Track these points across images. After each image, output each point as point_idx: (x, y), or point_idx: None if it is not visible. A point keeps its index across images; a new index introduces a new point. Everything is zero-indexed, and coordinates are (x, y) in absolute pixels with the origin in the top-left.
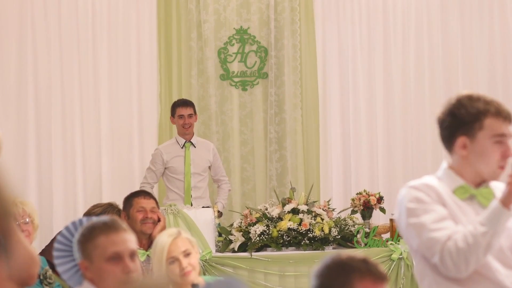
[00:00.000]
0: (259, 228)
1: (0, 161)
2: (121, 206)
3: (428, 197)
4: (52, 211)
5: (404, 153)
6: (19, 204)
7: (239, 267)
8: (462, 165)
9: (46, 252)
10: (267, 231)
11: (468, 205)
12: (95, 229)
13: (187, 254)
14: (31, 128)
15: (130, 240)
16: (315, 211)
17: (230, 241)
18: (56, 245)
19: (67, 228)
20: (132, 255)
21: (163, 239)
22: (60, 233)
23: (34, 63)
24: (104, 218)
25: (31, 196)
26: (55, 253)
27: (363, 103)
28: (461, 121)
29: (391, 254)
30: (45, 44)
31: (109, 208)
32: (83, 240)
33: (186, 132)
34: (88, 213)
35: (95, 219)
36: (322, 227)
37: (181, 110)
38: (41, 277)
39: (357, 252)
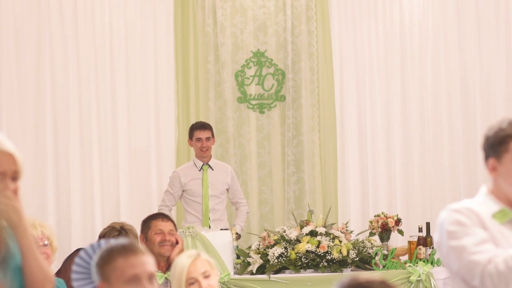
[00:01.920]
0: (277, 250)
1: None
2: (138, 229)
3: (469, 220)
4: (71, 233)
5: (422, 174)
6: (37, 227)
7: None
8: (497, 188)
9: (61, 274)
10: (285, 253)
11: (508, 229)
12: (114, 251)
13: (206, 276)
14: (49, 150)
15: (148, 262)
16: (333, 233)
17: (248, 264)
18: (74, 267)
19: (85, 250)
20: (150, 277)
21: (182, 260)
22: (78, 255)
23: (52, 86)
24: (122, 240)
25: (50, 219)
26: (73, 276)
27: (381, 125)
28: (491, 143)
29: (410, 276)
30: (62, 67)
31: (113, 231)
32: (102, 263)
33: (203, 155)
34: (102, 235)
35: (113, 241)
36: (340, 249)
37: (199, 133)
38: None
39: (373, 275)
